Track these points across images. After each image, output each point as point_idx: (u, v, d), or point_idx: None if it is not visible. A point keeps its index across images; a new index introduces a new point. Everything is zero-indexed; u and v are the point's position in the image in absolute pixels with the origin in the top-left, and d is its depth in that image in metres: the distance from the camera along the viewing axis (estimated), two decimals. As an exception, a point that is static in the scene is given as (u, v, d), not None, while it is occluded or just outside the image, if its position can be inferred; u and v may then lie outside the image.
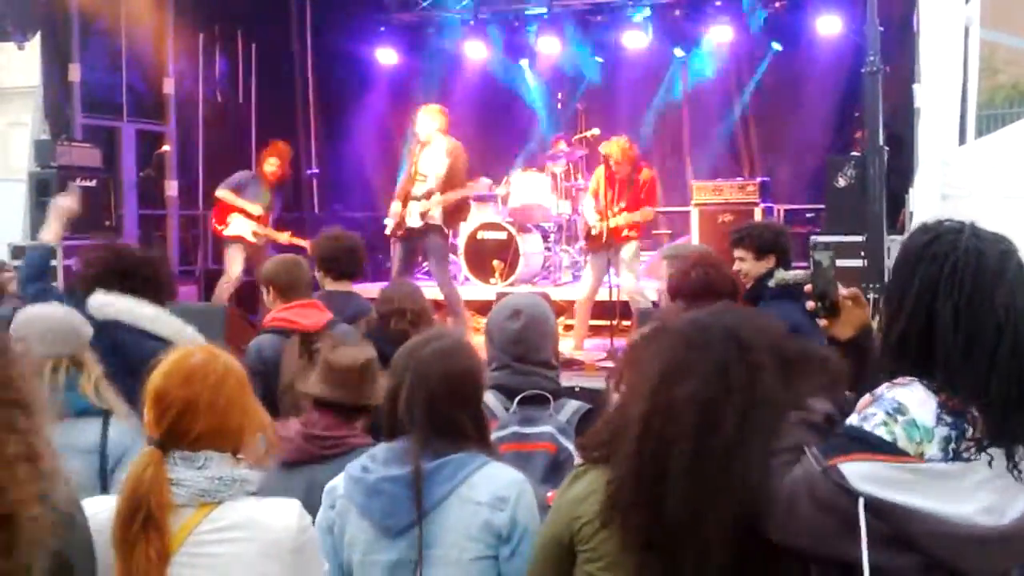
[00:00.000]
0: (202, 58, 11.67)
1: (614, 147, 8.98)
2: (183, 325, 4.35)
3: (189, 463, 2.44)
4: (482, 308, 10.27)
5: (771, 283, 4.57)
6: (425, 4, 13.83)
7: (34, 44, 9.51)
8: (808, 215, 11.59)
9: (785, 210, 11.90)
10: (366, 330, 4.91)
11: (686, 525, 2.08)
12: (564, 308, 8.70)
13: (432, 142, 9.10)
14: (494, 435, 3.35)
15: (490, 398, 3.57)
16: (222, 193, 9.83)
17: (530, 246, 11.07)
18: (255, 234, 9.78)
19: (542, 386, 3.54)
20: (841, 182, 8.67)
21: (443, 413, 2.84)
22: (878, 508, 1.96)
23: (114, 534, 2.37)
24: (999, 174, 6.52)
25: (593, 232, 9.07)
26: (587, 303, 9.28)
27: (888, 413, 2.01)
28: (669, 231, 12.75)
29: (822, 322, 2.51)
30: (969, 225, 2.11)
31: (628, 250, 9.09)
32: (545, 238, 11.43)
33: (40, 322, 3.62)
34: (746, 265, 5.29)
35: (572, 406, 3.55)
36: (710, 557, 2.07)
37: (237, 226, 9.80)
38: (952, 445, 1.98)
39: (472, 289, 10.90)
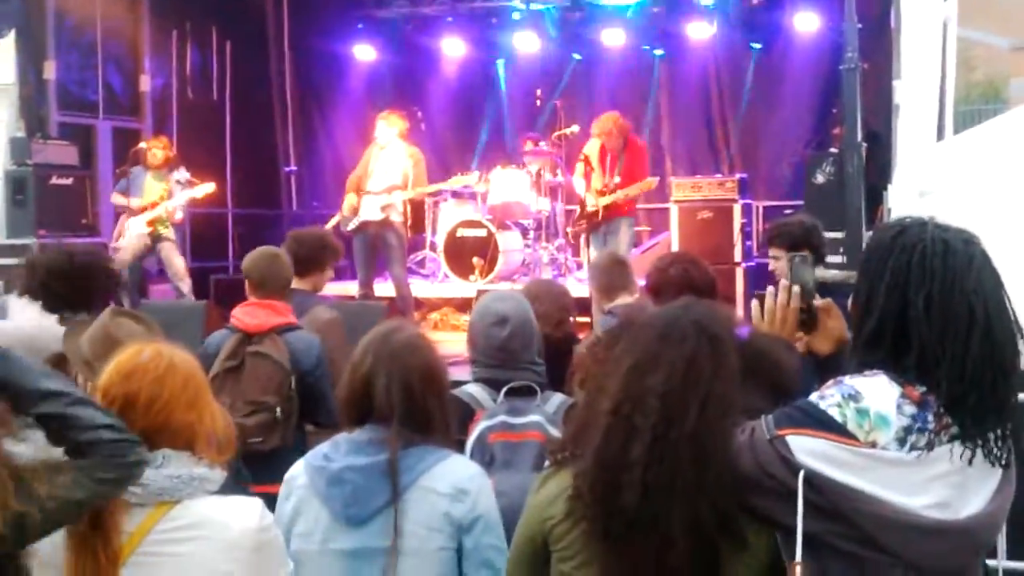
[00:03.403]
0: (177, 55, 11.61)
1: (607, 121, 9.04)
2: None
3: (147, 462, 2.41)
4: (462, 305, 10.27)
5: None
6: (403, 1, 13.79)
7: (8, 41, 9.45)
8: (787, 211, 11.60)
9: (764, 207, 11.92)
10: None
11: (645, 516, 2.12)
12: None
13: (391, 146, 9.14)
14: (483, 424, 3.36)
15: (477, 390, 3.59)
16: (113, 198, 9.36)
17: (510, 243, 11.06)
18: (149, 224, 9.12)
19: (528, 378, 3.54)
20: (820, 178, 8.71)
21: (419, 403, 2.85)
22: (817, 483, 2.00)
23: (65, 534, 2.34)
24: (976, 170, 6.54)
25: (589, 209, 9.06)
26: None
27: (843, 396, 2.06)
28: (648, 227, 12.77)
29: (802, 335, 2.53)
30: (931, 218, 2.16)
31: (623, 234, 9.06)
32: (524, 235, 11.42)
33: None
34: (781, 264, 5.26)
35: (558, 399, 3.57)
36: (671, 548, 2.10)
37: (133, 229, 9.20)
38: (912, 437, 2.02)
39: (452, 286, 10.88)
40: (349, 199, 9.17)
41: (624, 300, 5.05)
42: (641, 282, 5.25)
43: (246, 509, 2.48)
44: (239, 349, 4.70)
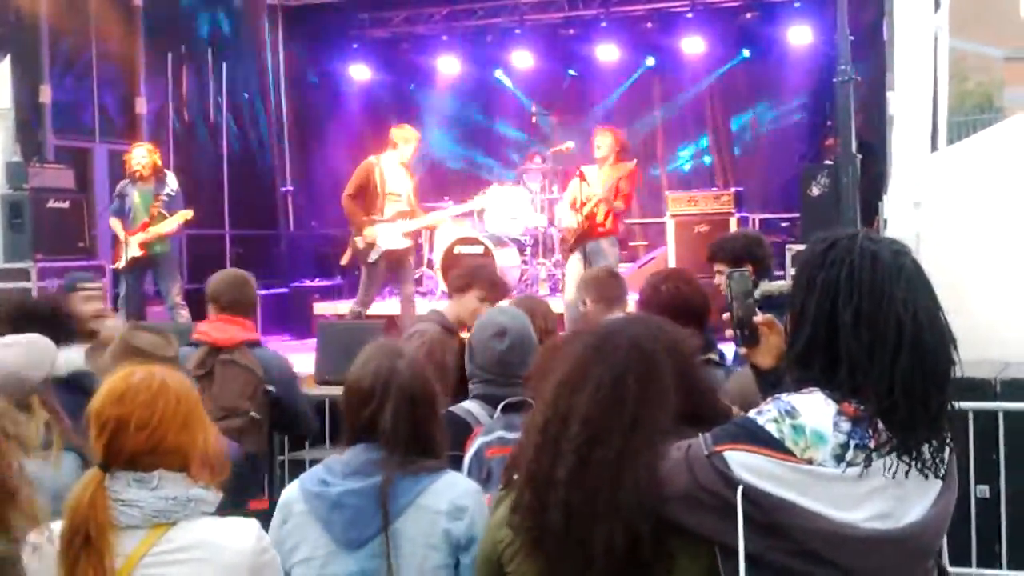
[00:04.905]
0: (172, 77, 11.63)
1: (600, 135, 9.01)
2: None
3: (142, 484, 2.41)
4: (459, 323, 10.23)
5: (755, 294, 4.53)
6: (397, 20, 13.85)
7: (4, 65, 9.46)
8: (783, 224, 11.64)
9: (760, 219, 11.95)
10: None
11: (568, 532, 2.11)
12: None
13: (396, 165, 9.02)
14: (481, 439, 3.36)
15: (474, 406, 3.61)
16: (111, 223, 9.09)
17: (507, 260, 11.06)
18: (141, 245, 8.83)
19: (524, 394, 3.54)
20: (815, 191, 8.72)
21: (422, 429, 2.87)
22: (756, 498, 1.98)
23: (58, 558, 2.33)
24: (971, 180, 6.57)
25: (575, 225, 9.00)
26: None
27: (780, 412, 2.04)
28: (645, 242, 12.79)
29: (742, 350, 2.53)
30: (863, 230, 2.15)
31: (603, 253, 8.98)
32: (522, 251, 11.43)
33: None
34: (724, 278, 5.19)
35: None
36: (592, 565, 2.09)
37: (131, 251, 8.86)
38: (849, 453, 2.00)
39: (449, 304, 10.85)
40: (369, 231, 8.78)
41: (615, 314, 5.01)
42: (636, 296, 5.23)
43: (243, 530, 2.47)
44: (207, 360, 4.81)
